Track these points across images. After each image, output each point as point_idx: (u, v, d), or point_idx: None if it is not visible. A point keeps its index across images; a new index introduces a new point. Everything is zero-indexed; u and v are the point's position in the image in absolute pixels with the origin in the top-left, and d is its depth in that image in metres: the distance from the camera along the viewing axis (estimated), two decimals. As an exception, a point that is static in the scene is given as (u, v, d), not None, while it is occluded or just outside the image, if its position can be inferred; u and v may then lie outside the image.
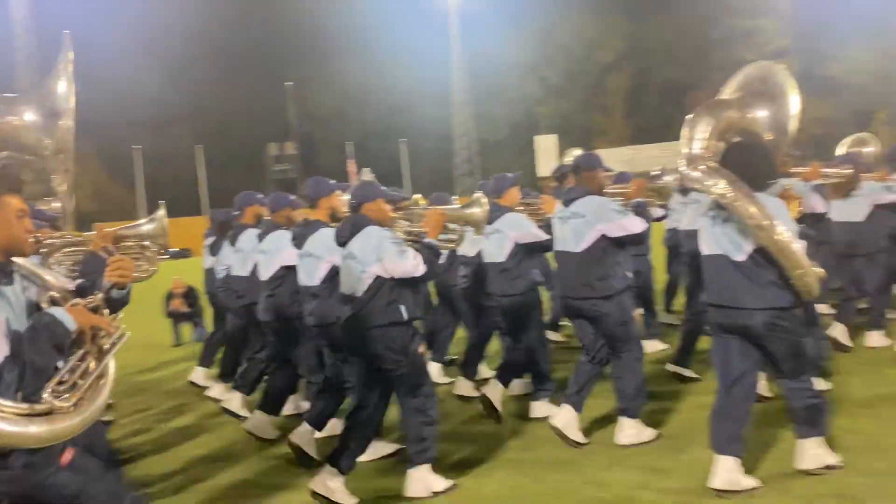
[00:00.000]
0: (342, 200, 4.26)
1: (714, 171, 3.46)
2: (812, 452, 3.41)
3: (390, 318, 3.63)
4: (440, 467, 3.83)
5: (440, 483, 3.71)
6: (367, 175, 8.84)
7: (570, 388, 4.25)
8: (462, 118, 47.85)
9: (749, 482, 3.38)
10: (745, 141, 3.67)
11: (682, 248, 5.67)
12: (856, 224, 5.59)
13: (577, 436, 4.14)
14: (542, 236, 4.68)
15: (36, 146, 2.23)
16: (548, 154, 42.00)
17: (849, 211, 5.60)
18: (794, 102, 3.81)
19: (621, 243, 4.17)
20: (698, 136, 3.68)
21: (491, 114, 48.40)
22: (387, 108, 47.38)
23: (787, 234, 3.29)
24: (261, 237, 4.88)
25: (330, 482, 3.59)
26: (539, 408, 4.76)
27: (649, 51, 50.43)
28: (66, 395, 1.94)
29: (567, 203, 4.27)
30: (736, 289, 3.40)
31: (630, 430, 4.11)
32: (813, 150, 5.51)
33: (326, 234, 4.09)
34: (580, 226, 4.15)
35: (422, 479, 3.68)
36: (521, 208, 4.93)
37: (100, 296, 2.20)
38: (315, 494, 3.59)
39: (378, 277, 3.62)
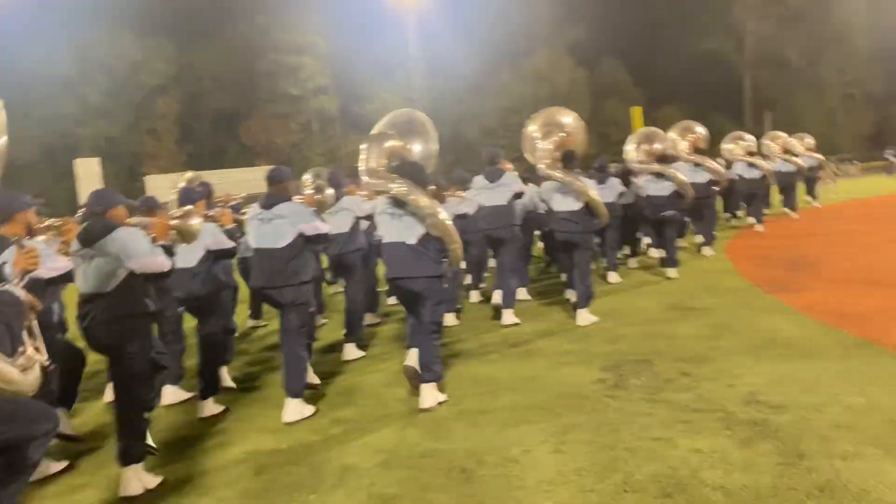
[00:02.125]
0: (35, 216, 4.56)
1: (392, 177, 4.96)
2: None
3: (140, 309, 4.05)
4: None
5: (152, 481, 4.11)
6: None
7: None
8: (-24, 136, 40.93)
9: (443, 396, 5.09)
10: (410, 160, 5.30)
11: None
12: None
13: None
14: (230, 244, 5.59)
15: None
16: (91, 178, 38.47)
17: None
18: (435, 139, 5.56)
19: (312, 240, 5.19)
20: (373, 155, 5.26)
21: (20, 133, 42.45)
22: None
23: (447, 218, 4.95)
24: None
25: (135, 479, 3.97)
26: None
27: (198, 77, 50.52)
28: (38, 352, 2.57)
29: (267, 207, 5.13)
30: (408, 264, 4.91)
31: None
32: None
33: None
34: (283, 225, 5.02)
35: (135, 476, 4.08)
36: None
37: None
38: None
39: (131, 273, 3.99)
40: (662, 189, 9.71)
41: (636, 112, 42.82)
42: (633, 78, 56.60)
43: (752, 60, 58.47)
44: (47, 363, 2.59)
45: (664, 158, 9.93)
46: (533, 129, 7.79)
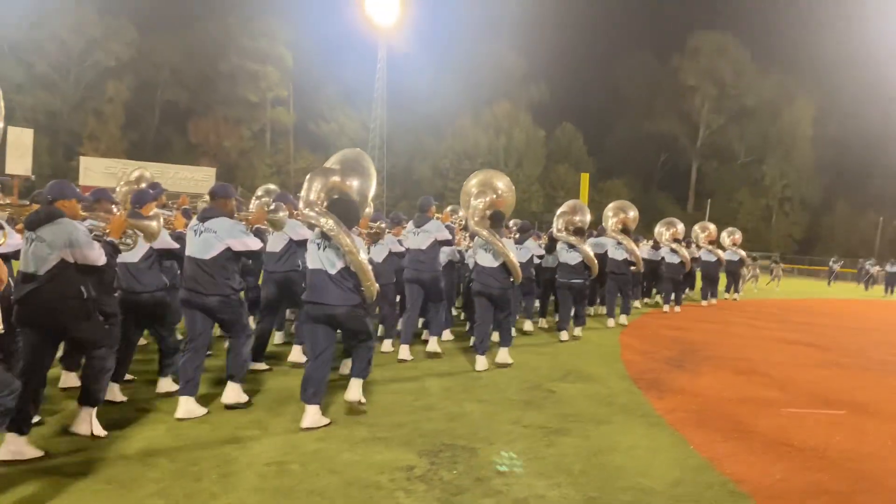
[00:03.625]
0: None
1: (324, 213, 5.24)
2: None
3: (72, 294, 4.33)
4: None
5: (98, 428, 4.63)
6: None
7: (182, 378, 5.31)
8: None
9: (325, 419, 5.23)
10: (343, 198, 5.50)
11: None
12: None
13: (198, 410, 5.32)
14: (175, 245, 5.79)
15: None
16: (20, 149, 36.97)
17: None
18: (374, 180, 5.92)
19: (239, 256, 5.50)
20: (314, 188, 5.50)
21: (-50, 88, 40.70)
22: None
23: (365, 259, 5.25)
24: None
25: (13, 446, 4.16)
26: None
27: (155, 66, 49.59)
28: None
29: (202, 220, 5.42)
30: (328, 292, 5.18)
31: (232, 393, 5.54)
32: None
33: None
34: (211, 239, 5.33)
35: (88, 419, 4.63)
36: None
37: None
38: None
39: (63, 260, 4.28)
40: (573, 258, 9.98)
41: (584, 179, 44.03)
42: (587, 146, 58.06)
43: (702, 149, 60.87)
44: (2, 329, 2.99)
45: (579, 231, 10.17)
46: (470, 186, 8.26)
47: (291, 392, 5.94)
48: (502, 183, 8.25)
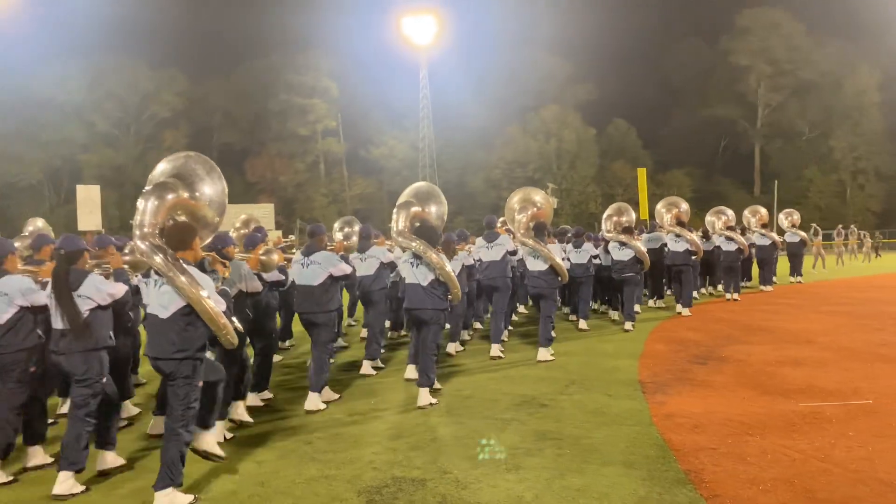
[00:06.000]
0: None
1: (413, 237, 6.79)
2: None
3: (242, 317, 5.79)
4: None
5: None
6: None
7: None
8: (-19, 156, 42.62)
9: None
10: (425, 224, 7.06)
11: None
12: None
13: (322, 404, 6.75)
14: (282, 277, 7.14)
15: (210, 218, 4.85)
16: (90, 205, 39.63)
17: None
18: (445, 205, 7.64)
19: (337, 280, 7.01)
20: (401, 218, 7.18)
21: (22, 155, 44.34)
22: None
23: (451, 270, 6.76)
24: None
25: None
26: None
27: (208, 112, 52.72)
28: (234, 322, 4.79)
29: (306, 254, 6.98)
30: (421, 300, 6.81)
31: (311, 402, 6.63)
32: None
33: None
34: (317, 269, 6.84)
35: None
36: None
37: None
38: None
39: (240, 290, 6.05)
40: (625, 255, 11.24)
41: (641, 174, 44.54)
42: (641, 140, 58.39)
43: (763, 130, 60.48)
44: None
45: (627, 230, 11.42)
46: (513, 203, 9.62)
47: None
48: (539, 197, 9.63)
